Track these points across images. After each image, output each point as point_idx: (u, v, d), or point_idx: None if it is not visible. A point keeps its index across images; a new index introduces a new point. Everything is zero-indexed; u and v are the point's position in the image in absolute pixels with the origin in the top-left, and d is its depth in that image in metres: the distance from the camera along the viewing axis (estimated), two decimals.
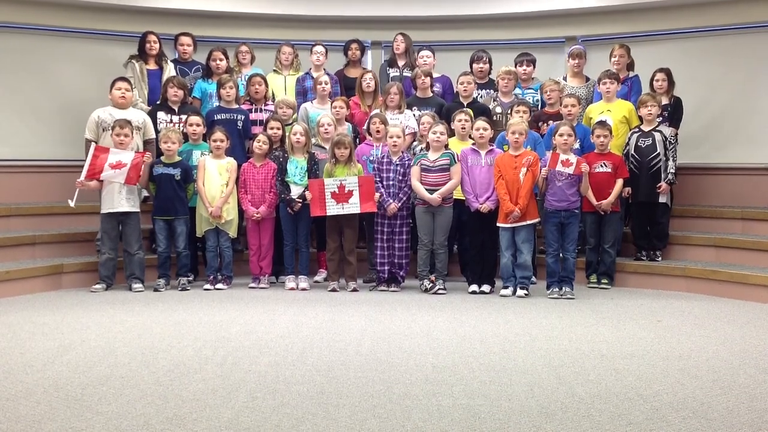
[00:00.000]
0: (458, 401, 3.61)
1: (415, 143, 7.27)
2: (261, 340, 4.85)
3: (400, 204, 6.75)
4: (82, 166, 6.74)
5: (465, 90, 7.43)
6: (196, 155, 7.05)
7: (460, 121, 6.90)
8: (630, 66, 7.82)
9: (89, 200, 7.03)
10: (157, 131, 7.15)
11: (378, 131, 6.99)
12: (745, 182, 8.12)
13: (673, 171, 7.08)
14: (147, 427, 3.27)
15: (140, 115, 7.14)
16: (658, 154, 7.06)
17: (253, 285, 6.97)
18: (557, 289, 6.51)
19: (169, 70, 7.84)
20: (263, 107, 7.60)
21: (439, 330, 5.18)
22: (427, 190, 6.63)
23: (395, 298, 6.50)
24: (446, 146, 6.74)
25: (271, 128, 7.07)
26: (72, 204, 6.73)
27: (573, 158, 6.49)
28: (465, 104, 7.35)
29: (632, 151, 7.13)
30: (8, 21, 8.25)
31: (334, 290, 6.77)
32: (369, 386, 3.84)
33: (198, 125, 7.08)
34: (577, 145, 6.87)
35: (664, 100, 7.42)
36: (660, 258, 7.25)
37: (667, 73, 7.47)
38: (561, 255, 6.61)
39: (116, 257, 6.86)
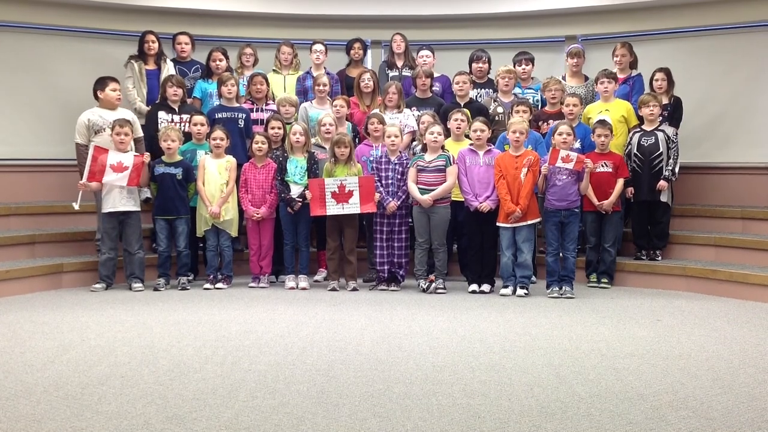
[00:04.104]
0: (458, 400, 3.62)
1: (414, 142, 7.27)
2: (261, 339, 4.85)
3: (399, 202, 6.75)
4: (82, 166, 6.74)
5: (461, 89, 7.42)
6: (200, 155, 7.05)
7: (456, 120, 6.90)
8: (633, 64, 7.81)
9: (89, 200, 7.02)
10: (157, 131, 7.14)
11: (376, 130, 6.99)
12: (745, 181, 8.11)
13: (671, 168, 7.08)
14: (147, 426, 3.27)
15: (129, 115, 7.13)
16: (661, 153, 7.07)
17: (253, 284, 6.97)
18: (557, 289, 6.51)
19: (168, 69, 7.83)
20: (264, 107, 7.60)
21: (439, 329, 5.18)
22: (422, 190, 6.63)
23: (395, 297, 6.50)
24: (443, 147, 6.74)
25: (272, 128, 7.07)
26: (77, 207, 6.75)
27: (573, 155, 6.48)
28: (461, 104, 7.34)
29: (635, 150, 7.13)
30: (7, 20, 8.24)
31: (334, 289, 6.77)
32: (369, 386, 3.84)
33: (202, 125, 7.07)
34: (577, 145, 6.87)
35: (664, 100, 7.41)
36: (660, 257, 7.25)
37: (667, 72, 7.47)
38: (561, 254, 6.61)
39: (116, 257, 6.85)
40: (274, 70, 8.08)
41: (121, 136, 6.68)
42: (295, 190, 6.87)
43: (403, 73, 8.10)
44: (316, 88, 7.59)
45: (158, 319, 5.53)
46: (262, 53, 8.28)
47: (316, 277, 7.28)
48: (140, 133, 7.14)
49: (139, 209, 6.86)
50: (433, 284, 6.65)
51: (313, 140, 7.10)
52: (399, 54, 8.23)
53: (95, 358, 4.39)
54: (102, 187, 6.71)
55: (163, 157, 6.92)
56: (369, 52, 9.04)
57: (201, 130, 7.07)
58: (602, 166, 6.79)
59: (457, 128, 6.90)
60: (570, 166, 6.47)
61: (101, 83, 7.03)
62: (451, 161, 6.66)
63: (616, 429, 3.26)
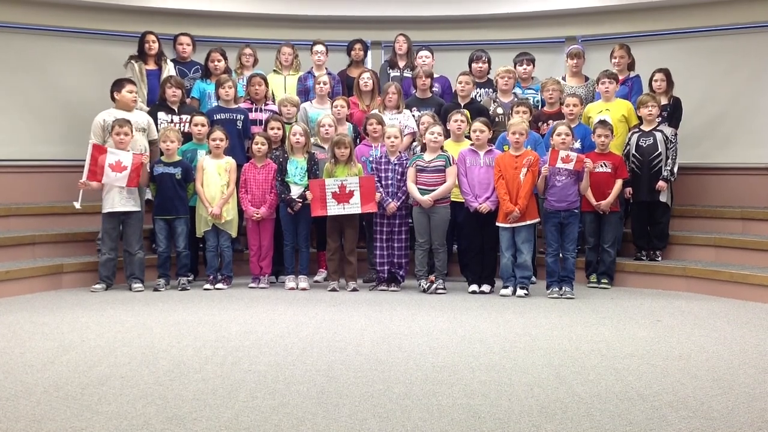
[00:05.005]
0: (458, 401, 3.62)
1: (414, 143, 7.27)
2: (261, 339, 4.85)
3: (399, 203, 6.75)
4: (83, 167, 6.75)
5: (462, 89, 7.42)
6: (200, 154, 7.05)
7: (456, 121, 6.89)
8: (631, 66, 7.82)
9: (89, 200, 7.02)
10: (157, 131, 7.15)
11: (375, 131, 7.00)
12: (745, 182, 8.12)
13: (669, 168, 7.08)
14: (147, 426, 3.27)
15: (144, 117, 7.15)
16: (660, 153, 7.07)
17: (253, 285, 6.97)
18: (557, 289, 6.51)
19: (168, 70, 7.83)
20: (263, 107, 7.60)
21: (439, 330, 5.18)
22: (421, 190, 6.63)
23: (395, 297, 6.50)
24: (442, 147, 6.74)
25: (272, 128, 7.07)
26: (78, 206, 6.75)
27: (573, 155, 6.49)
28: (462, 104, 7.34)
29: (633, 151, 7.13)
30: (7, 21, 8.24)
31: (333, 290, 6.77)
32: (369, 386, 3.84)
33: (203, 125, 7.07)
34: (577, 145, 6.88)
35: (663, 100, 7.42)
36: (660, 258, 7.25)
37: (666, 73, 7.47)
38: (561, 255, 6.61)
39: (116, 257, 6.85)
40: (274, 71, 8.09)
41: (121, 136, 6.68)
42: (295, 191, 6.87)
43: (404, 74, 8.10)
44: (316, 86, 7.59)
45: (158, 319, 5.52)
46: (262, 54, 8.28)
47: (316, 278, 7.28)
48: (155, 136, 7.13)
49: (139, 209, 6.86)
50: (433, 285, 6.65)
51: (312, 140, 7.10)
52: (401, 55, 8.23)
53: (95, 358, 4.39)
54: (102, 187, 6.72)
55: (162, 157, 6.92)
56: (369, 52, 9.05)
57: (202, 131, 7.06)
58: (601, 166, 6.78)
59: (457, 129, 6.90)
60: (570, 166, 6.46)
61: (118, 85, 7.04)
62: (451, 161, 6.66)
63: (616, 429, 3.26)
